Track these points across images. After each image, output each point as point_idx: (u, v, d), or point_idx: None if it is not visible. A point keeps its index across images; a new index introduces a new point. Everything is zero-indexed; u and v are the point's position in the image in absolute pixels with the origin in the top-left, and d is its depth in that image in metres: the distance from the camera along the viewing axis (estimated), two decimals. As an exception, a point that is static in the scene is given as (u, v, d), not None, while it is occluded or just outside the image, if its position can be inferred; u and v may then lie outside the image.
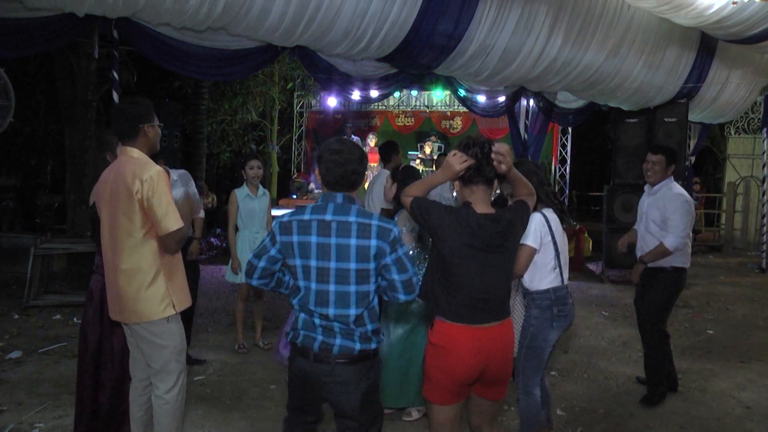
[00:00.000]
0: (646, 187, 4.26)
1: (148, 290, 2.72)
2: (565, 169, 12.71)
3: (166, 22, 5.05)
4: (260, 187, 5.04)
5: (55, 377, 4.34)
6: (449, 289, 2.40)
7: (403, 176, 3.74)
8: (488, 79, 6.92)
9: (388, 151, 5.70)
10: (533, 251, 3.04)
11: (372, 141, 11.62)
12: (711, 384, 4.65)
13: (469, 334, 2.39)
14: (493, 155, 2.38)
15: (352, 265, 2.21)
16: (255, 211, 4.93)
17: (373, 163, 9.54)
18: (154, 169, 2.69)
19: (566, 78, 7.08)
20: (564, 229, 3.24)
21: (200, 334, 5.36)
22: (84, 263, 6.64)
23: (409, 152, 12.46)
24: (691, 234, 4.13)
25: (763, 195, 10.11)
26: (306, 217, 2.26)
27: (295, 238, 2.25)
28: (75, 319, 5.74)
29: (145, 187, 2.63)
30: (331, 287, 2.23)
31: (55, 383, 4.22)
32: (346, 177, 2.27)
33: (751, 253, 11.52)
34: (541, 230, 3.06)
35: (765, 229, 9.96)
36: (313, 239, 2.23)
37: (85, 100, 7.50)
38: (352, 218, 2.23)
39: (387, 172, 5.88)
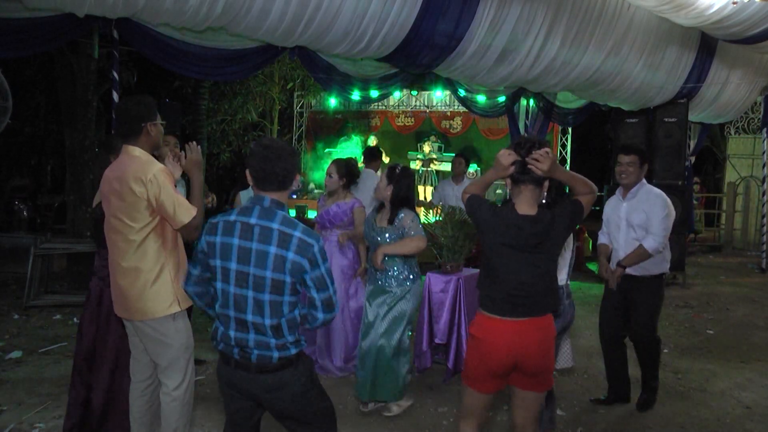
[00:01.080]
0: (618, 191, 4.02)
1: (153, 287, 2.71)
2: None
3: (166, 23, 5.04)
4: None
5: (55, 377, 4.34)
6: (488, 282, 2.56)
7: (400, 177, 3.74)
8: (488, 80, 6.91)
9: (371, 156, 6.31)
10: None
11: (373, 142, 11.63)
12: (711, 384, 4.65)
13: (503, 327, 2.52)
14: (528, 158, 2.47)
15: (268, 273, 2.13)
16: None
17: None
18: (156, 168, 2.69)
19: (566, 78, 7.07)
20: None
21: (200, 334, 5.36)
22: (84, 263, 6.63)
23: (409, 152, 12.46)
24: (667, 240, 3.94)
25: (763, 195, 10.11)
26: (231, 218, 2.21)
27: (218, 239, 2.20)
28: (75, 319, 5.73)
29: (150, 188, 2.63)
30: (249, 293, 2.16)
31: (55, 383, 4.22)
32: (275, 175, 2.19)
33: (751, 253, 11.52)
34: None
35: (765, 229, 9.96)
36: (235, 241, 2.17)
37: (85, 100, 7.49)
38: (275, 225, 2.15)
39: (372, 172, 5.97)
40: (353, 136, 12.50)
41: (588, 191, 2.59)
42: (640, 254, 3.78)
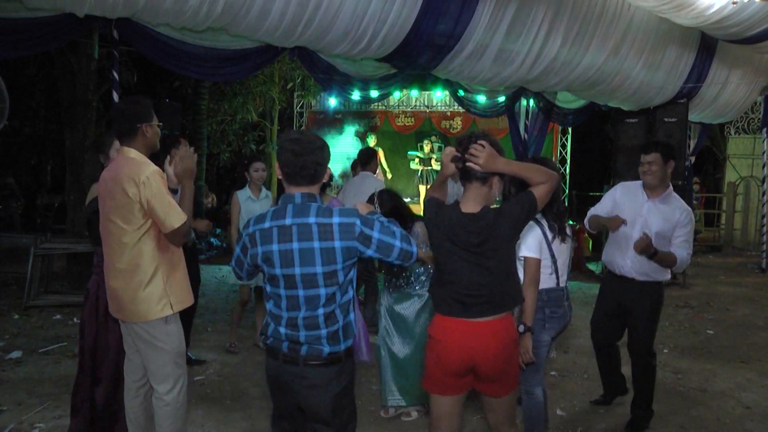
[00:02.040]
0: (637, 187, 3.74)
1: (146, 290, 2.71)
2: (565, 169, 12.70)
3: (166, 23, 5.05)
4: (263, 188, 5.04)
5: (55, 377, 4.34)
6: (440, 283, 2.49)
7: (384, 201, 3.77)
8: (488, 80, 6.92)
9: (366, 158, 6.16)
10: (537, 261, 2.98)
11: (372, 141, 11.63)
12: (711, 384, 4.65)
13: (456, 327, 2.44)
14: (467, 154, 2.36)
15: (318, 269, 2.11)
16: (256, 213, 4.92)
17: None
18: (150, 170, 2.68)
19: (566, 78, 7.08)
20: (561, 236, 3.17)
21: (200, 334, 5.36)
22: (84, 263, 6.63)
23: (409, 152, 12.47)
24: None
25: (763, 195, 10.11)
26: (266, 225, 2.18)
27: (259, 249, 2.18)
28: (75, 319, 5.73)
29: (143, 190, 2.62)
30: (300, 292, 2.15)
31: (55, 383, 4.22)
32: (306, 168, 2.15)
33: (751, 253, 11.52)
34: (538, 237, 3.03)
35: (765, 229, 9.96)
36: (275, 247, 2.14)
37: (85, 100, 7.49)
38: (311, 219, 2.12)
39: (370, 174, 5.95)
40: (347, 128, 12.48)
41: (545, 179, 2.39)
42: (670, 261, 3.53)
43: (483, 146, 2.35)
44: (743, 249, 12.26)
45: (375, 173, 6.19)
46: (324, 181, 2.29)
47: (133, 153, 2.74)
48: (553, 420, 3.85)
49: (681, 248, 3.54)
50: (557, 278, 3.15)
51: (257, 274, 2.39)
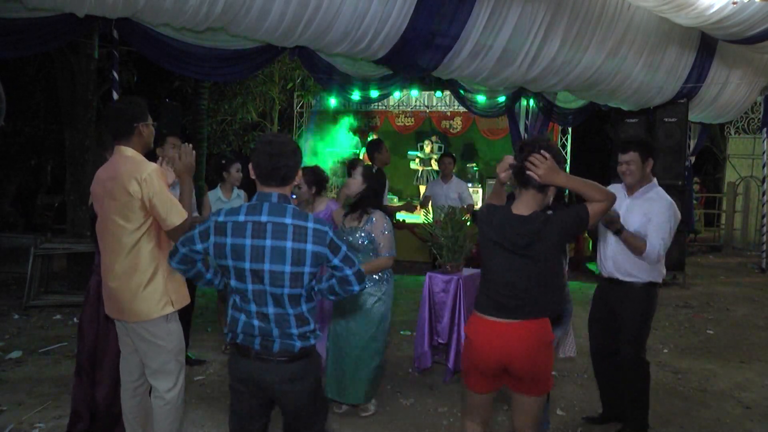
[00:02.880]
0: (620, 187, 3.60)
1: (146, 289, 2.71)
2: (565, 169, 12.69)
3: (165, 23, 5.05)
4: (235, 189, 5.01)
5: (55, 377, 4.34)
6: (483, 281, 2.58)
7: (376, 176, 3.83)
8: (488, 80, 6.92)
9: (370, 151, 6.10)
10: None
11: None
12: (711, 384, 4.65)
13: (489, 327, 2.51)
14: (527, 162, 2.44)
15: (287, 268, 2.16)
16: None
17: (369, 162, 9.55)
18: (150, 168, 2.70)
19: (566, 78, 7.08)
20: None
21: (200, 334, 5.36)
22: (84, 263, 6.64)
23: (409, 152, 12.46)
24: (669, 244, 3.49)
25: (763, 195, 10.11)
26: (240, 219, 2.20)
27: (228, 240, 2.20)
28: (75, 319, 5.73)
29: (144, 188, 2.64)
30: (267, 288, 2.19)
31: (55, 383, 4.22)
32: (277, 170, 2.21)
33: (751, 253, 11.52)
34: None
35: (765, 229, 9.96)
36: (247, 242, 2.17)
37: (85, 100, 7.48)
38: (287, 220, 2.17)
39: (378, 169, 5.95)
40: (342, 120, 12.50)
41: (602, 198, 2.43)
42: (637, 246, 3.33)
43: (545, 158, 2.40)
44: (743, 249, 12.27)
45: (384, 166, 6.14)
46: (295, 183, 2.33)
47: (130, 152, 2.77)
48: (553, 420, 3.86)
49: (651, 236, 3.33)
50: (565, 276, 3.19)
51: (191, 269, 2.35)
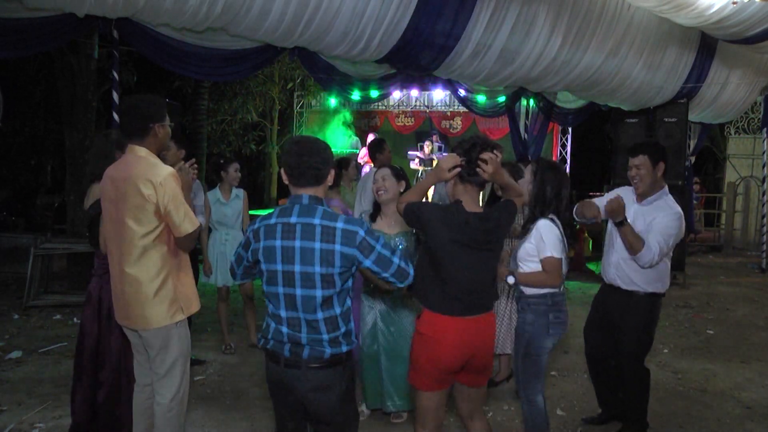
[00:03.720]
0: (630, 190, 3.52)
1: (157, 295, 2.64)
2: (565, 169, 12.71)
3: (166, 23, 5.05)
4: (233, 189, 5.01)
5: (55, 377, 4.34)
6: (438, 282, 2.52)
7: (406, 175, 3.64)
8: (488, 80, 6.92)
9: (372, 151, 5.99)
10: (559, 261, 2.94)
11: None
12: (711, 384, 4.65)
13: (455, 326, 2.50)
14: (479, 160, 2.50)
15: (317, 269, 2.14)
16: (227, 216, 4.94)
17: (369, 164, 9.56)
18: (166, 172, 2.61)
19: (566, 78, 7.08)
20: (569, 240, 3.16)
21: (200, 334, 5.36)
22: (84, 263, 6.64)
23: (409, 152, 12.46)
24: (671, 254, 3.46)
25: (763, 195, 10.11)
26: (272, 221, 2.21)
27: (261, 244, 2.21)
28: (75, 319, 5.73)
29: (160, 192, 2.55)
30: (298, 291, 2.17)
31: (55, 383, 4.22)
32: (310, 169, 2.20)
33: (751, 253, 11.52)
34: (559, 237, 2.96)
35: (765, 229, 9.96)
36: (278, 243, 2.18)
37: (85, 100, 7.49)
38: (316, 221, 2.16)
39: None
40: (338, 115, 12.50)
41: (517, 195, 2.74)
42: (634, 243, 3.26)
43: (496, 156, 2.54)
44: (743, 249, 12.26)
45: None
46: (329, 183, 2.30)
47: (143, 152, 2.66)
48: (553, 420, 3.85)
49: (649, 239, 3.25)
50: (561, 282, 3.08)
51: (253, 275, 2.39)
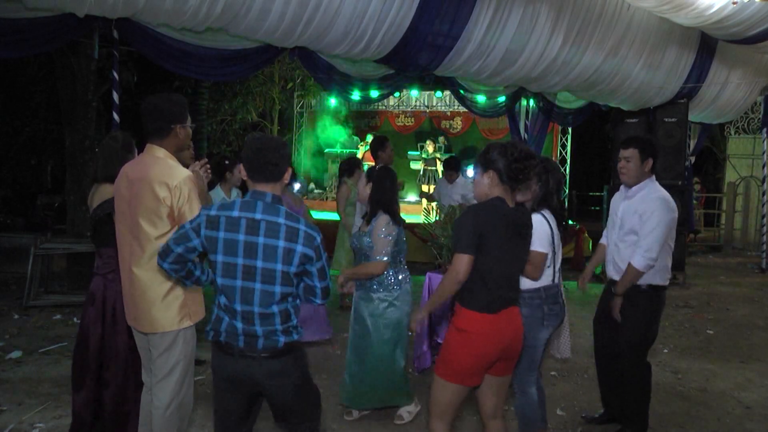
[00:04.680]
0: (622, 188, 3.59)
1: (167, 299, 2.61)
2: (565, 169, 12.71)
3: (165, 23, 5.05)
4: (234, 189, 5.03)
5: (55, 377, 4.34)
6: (478, 281, 2.56)
7: (379, 177, 3.65)
8: (489, 80, 6.93)
9: (374, 149, 6.01)
10: (545, 256, 3.04)
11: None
12: (711, 384, 4.65)
13: (492, 320, 2.58)
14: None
15: (278, 266, 2.19)
16: None
17: (370, 162, 9.55)
18: (184, 175, 2.57)
19: (566, 78, 7.08)
20: (562, 233, 3.23)
21: (200, 334, 5.35)
22: (84, 263, 6.64)
23: (409, 152, 12.45)
24: (672, 244, 3.48)
25: (763, 195, 10.11)
26: (234, 214, 2.22)
27: (221, 234, 2.22)
28: (75, 319, 5.73)
29: (175, 195, 2.52)
30: (257, 285, 2.20)
31: (55, 383, 4.22)
32: (267, 165, 2.24)
33: (751, 253, 11.53)
34: (548, 233, 3.07)
35: (765, 229, 9.96)
36: (241, 237, 2.20)
37: (85, 100, 7.48)
38: (281, 220, 2.21)
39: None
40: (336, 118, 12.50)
41: None
42: (633, 276, 3.34)
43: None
44: (743, 249, 12.27)
45: (389, 165, 6.15)
46: (285, 182, 2.34)
47: (161, 153, 2.63)
48: (553, 420, 3.85)
49: (635, 255, 3.30)
50: (554, 274, 3.17)
51: (182, 268, 2.33)
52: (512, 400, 3.47)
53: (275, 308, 2.23)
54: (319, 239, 2.25)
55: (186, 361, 2.73)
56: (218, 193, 4.92)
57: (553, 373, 4.71)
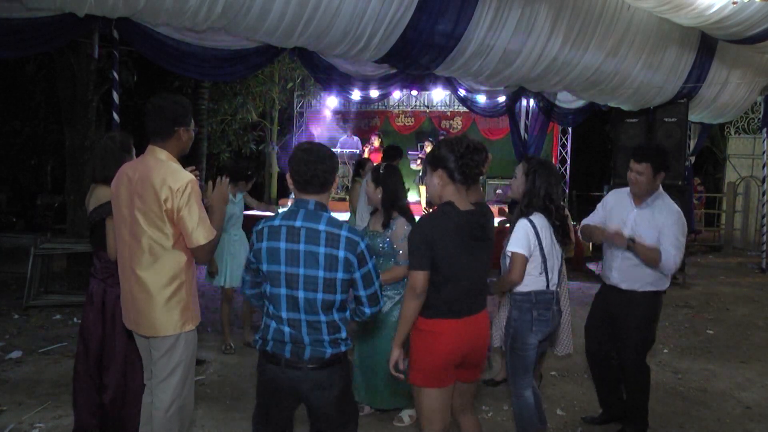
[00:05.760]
0: (626, 194, 3.55)
1: (169, 303, 2.58)
2: (565, 169, 12.70)
3: (166, 23, 5.05)
4: (239, 193, 5.05)
5: (55, 377, 4.34)
6: (435, 289, 2.49)
7: (386, 177, 3.66)
8: (489, 79, 6.92)
9: (388, 155, 6.28)
10: (524, 258, 3.00)
11: (376, 141, 11.64)
12: (711, 384, 4.65)
13: (454, 326, 2.53)
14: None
15: (321, 273, 2.20)
16: (236, 215, 4.97)
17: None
18: (186, 178, 2.54)
19: (566, 78, 7.08)
20: (561, 239, 3.16)
21: (200, 334, 5.33)
22: (84, 263, 6.64)
23: (410, 152, 12.46)
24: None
25: (763, 195, 10.11)
26: (276, 223, 2.25)
27: (264, 245, 2.25)
28: (75, 319, 5.74)
29: (176, 197, 2.49)
30: (300, 293, 2.21)
31: (55, 383, 4.22)
32: (317, 177, 2.24)
33: (751, 253, 11.52)
34: (530, 236, 3.02)
35: (765, 229, 9.96)
36: (282, 245, 2.22)
37: (85, 100, 7.48)
38: (321, 227, 2.21)
39: None
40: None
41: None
42: (652, 257, 3.29)
43: (489, 158, 2.66)
44: (743, 249, 12.26)
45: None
46: (333, 189, 2.36)
47: (164, 155, 2.61)
48: (553, 420, 3.85)
49: (666, 247, 3.30)
50: (547, 280, 3.09)
51: (258, 284, 2.38)
52: (510, 401, 3.47)
53: (322, 317, 2.22)
54: (363, 245, 2.24)
55: (187, 362, 2.71)
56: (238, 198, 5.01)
57: (553, 373, 4.71)
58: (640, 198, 3.46)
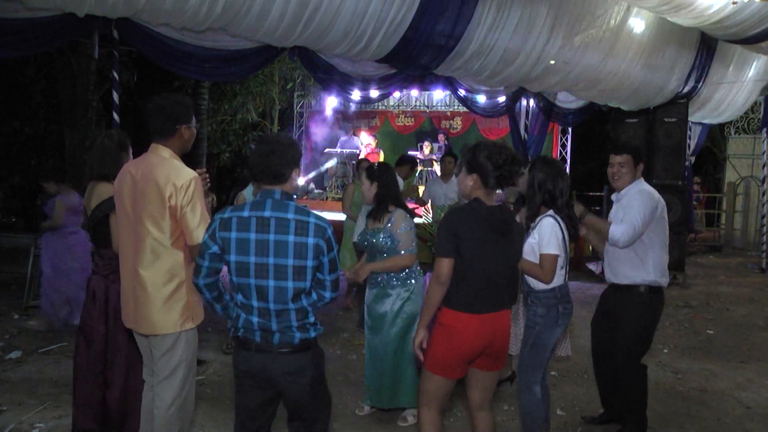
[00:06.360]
0: (613, 196, 3.69)
1: (169, 301, 2.59)
2: (565, 169, 12.71)
3: (166, 23, 5.05)
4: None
5: (55, 377, 4.34)
6: (461, 280, 2.61)
7: (380, 172, 3.76)
8: (489, 79, 6.92)
9: (404, 163, 6.42)
10: (556, 258, 3.09)
11: (374, 142, 11.62)
12: (711, 384, 4.65)
13: (475, 322, 2.63)
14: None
15: (290, 261, 2.23)
16: None
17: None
18: (190, 176, 2.56)
19: (566, 78, 7.08)
20: (573, 232, 3.25)
21: (200, 334, 5.34)
22: (84, 263, 6.65)
23: (409, 152, 12.46)
24: (666, 243, 3.54)
25: (763, 195, 10.10)
26: (245, 214, 2.26)
27: (233, 235, 2.25)
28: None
29: (180, 195, 2.51)
30: (270, 282, 2.24)
31: (55, 383, 4.22)
32: (269, 168, 2.27)
33: (751, 253, 11.52)
34: (558, 235, 3.09)
35: (765, 229, 9.96)
36: (252, 236, 2.24)
37: (85, 100, 7.50)
38: (290, 215, 2.25)
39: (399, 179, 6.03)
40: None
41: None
42: (599, 227, 3.48)
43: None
44: (743, 249, 12.26)
45: (405, 178, 6.40)
46: (295, 182, 2.36)
47: (166, 153, 2.63)
48: (553, 420, 3.85)
49: (622, 222, 3.40)
50: (565, 273, 3.22)
51: (215, 287, 2.36)
52: (515, 400, 3.48)
53: (291, 305, 2.26)
54: (330, 231, 2.29)
55: (188, 361, 2.72)
56: (250, 190, 4.94)
57: (553, 373, 4.71)
58: (619, 190, 3.60)
